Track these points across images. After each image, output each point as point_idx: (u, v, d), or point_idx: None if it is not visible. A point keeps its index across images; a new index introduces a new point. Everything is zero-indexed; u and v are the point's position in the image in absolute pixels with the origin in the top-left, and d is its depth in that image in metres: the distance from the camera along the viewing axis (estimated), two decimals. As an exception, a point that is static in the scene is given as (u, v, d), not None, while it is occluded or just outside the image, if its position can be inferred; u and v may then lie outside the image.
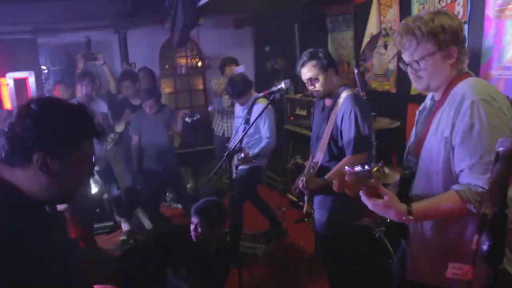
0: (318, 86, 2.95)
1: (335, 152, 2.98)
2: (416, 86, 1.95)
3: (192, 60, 7.99)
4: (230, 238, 4.14)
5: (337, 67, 3.10)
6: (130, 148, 4.98)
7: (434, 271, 1.86)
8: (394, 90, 4.89)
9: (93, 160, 1.45)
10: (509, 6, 3.73)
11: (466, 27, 4.16)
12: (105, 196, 5.46)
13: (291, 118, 5.52)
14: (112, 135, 5.27)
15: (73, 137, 1.36)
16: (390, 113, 4.52)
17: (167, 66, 7.82)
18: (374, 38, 5.14)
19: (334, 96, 3.00)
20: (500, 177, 1.30)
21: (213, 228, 2.98)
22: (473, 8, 4.08)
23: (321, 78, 2.93)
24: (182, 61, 8.00)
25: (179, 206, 5.64)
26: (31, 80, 5.32)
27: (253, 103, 4.28)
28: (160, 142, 4.83)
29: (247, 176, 4.40)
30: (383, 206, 1.72)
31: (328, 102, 3.05)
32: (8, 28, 5.69)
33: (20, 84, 5.46)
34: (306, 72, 2.96)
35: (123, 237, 5.02)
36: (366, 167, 1.70)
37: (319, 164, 3.02)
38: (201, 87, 8.03)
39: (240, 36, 7.60)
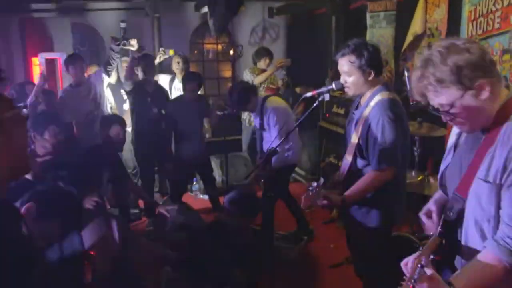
0: (349, 83, 2.65)
1: (361, 163, 2.71)
2: (462, 131, 1.77)
3: (224, 47, 7.84)
4: (263, 237, 4.06)
5: (381, 69, 2.73)
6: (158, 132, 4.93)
7: None
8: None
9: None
10: None
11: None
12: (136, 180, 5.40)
13: (327, 115, 5.37)
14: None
15: None
16: (429, 118, 4.29)
17: (195, 52, 7.69)
18: (418, 38, 4.95)
19: (369, 96, 2.68)
20: None
21: (245, 219, 2.92)
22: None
23: (354, 77, 2.62)
24: (209, 46, 7.86)
25: (205, 197, 5.54)
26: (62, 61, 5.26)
27: (263, 105, 4.15)
28: (194, 131, 4.81)
29: (280, 175, 4.27)
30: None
31: (363, 100, 2.75)
32: (36, 5, 5.58)
33: (51, 65, 5.42)
34: (342, 64, 2.65)
35: (149, 227, 4.93)
36: None
37: (344, 173, 2.77)
38: (229, 74, 7.88)
39: (273, 26, 7.43)
